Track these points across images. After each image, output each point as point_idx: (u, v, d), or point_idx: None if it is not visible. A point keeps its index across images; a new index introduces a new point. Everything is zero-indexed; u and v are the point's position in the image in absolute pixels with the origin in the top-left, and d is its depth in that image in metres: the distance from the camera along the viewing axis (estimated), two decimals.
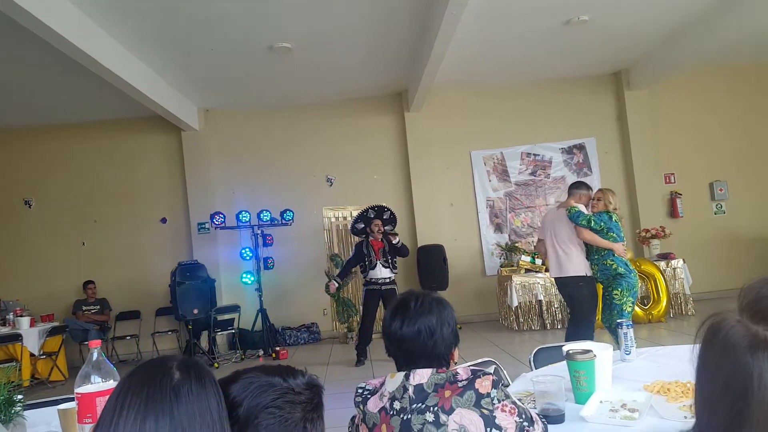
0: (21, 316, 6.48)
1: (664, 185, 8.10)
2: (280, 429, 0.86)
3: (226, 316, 7.10)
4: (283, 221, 7.06)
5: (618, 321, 2.05)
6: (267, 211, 6.98)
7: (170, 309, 7.20)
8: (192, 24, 5.17)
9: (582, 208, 4.14)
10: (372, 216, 6.95)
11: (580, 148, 8.09)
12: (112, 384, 1.48)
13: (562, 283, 4.30)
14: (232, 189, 7.75)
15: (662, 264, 6.79)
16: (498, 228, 8.02)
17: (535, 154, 8.08)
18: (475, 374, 1.24)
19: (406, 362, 1.33)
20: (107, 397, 1.43)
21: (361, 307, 7.35)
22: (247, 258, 6.98)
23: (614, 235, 3.99)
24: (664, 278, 6.61)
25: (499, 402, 1.21)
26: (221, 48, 5.77)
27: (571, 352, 1.61)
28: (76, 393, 1.45)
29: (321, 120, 7.94)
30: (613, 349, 1.75)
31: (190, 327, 6.62)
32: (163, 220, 7.80)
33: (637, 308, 6.43)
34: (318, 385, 0.94)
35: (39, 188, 7.81)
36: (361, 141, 7.97)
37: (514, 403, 1.23)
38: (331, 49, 6.06)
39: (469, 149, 8.03)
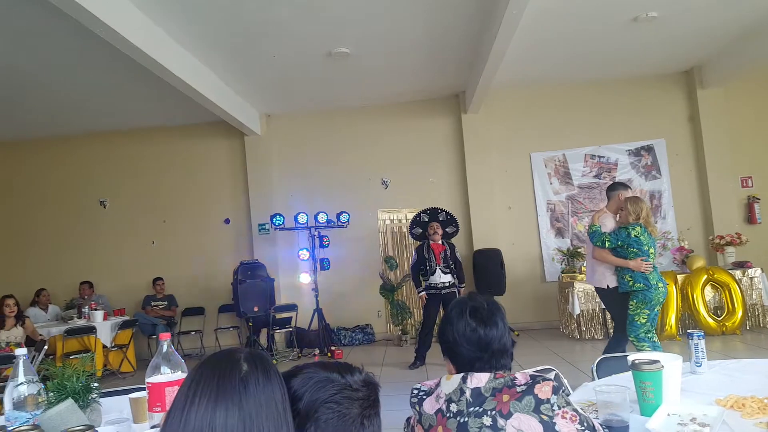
0: (95, 309, 6.93)
1: (741, 189, 7.61)
2: (338, 423, 0.88)
3: (284, 315, 7.30)
4: (339, 223, 7.17)
5: (689, 331, 1.96)
6: (324, 212, 7.12)
7: (232, 306, 7.49)
8: (253, 32, 5.36)
9: (607, 222, 4.13)
10: (426, 219, 6.95)
11: (649, 149, 7.74)
12: (180, 375, 1.56)
13: (597, 293, 4.42)
14: (291, 191, 7.97)
15: (738, 273, 6.38)
16: (559, 232, 7.80)
17: (599, 156, 7.81)
18: (535, 379, 1.22)
19: (465, 365, 1.33)
20: (175, 387, 1.52)
21: (415, 310, 7.39)
22: (305, 259, 7.14)
23: (634, 250, 3.92)
24: (740, 288, 6.20)
25: (560, 408, 1.18)
26: (282, 55, 5.95)
27: (637, 362, 1.55)
28: (147, 382, 1.54)
29: (377, 122, 8.02)
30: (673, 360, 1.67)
31: (250, 324, 6.85)
32: (227, 221, 8.13)
33: (709, 319, 6.08)
34: (374, 383, 0.96)
35: (113, 190, 8.33)
36: (417, 143, 7.98)
37: (575, 410, 1.20)
38: (388, 52, 6.12)
39: (529, 151, 7.86)
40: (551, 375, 1.24)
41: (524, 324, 7.35)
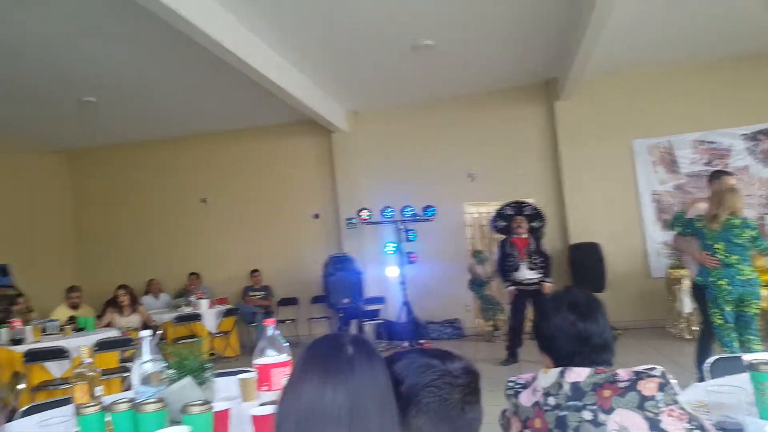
0: (201, 299, 7.52)
1: None
2: (439, 408, 0.92)
3: (373, 307, 7.49)
4: (426, 217, 7.21)
5: None
6: (410, 206, 7.19)
7: (324, 297, 7.80)
8: (339, 30, 5.49)
9: (697, 209, 3.93)
10: (511, 213, 6.78)
11: (767, 133, 7.03)
12: (284, 358, 1.69)
13: None
14: (377, 186, 8.12)
15: None
16: (666, 225, 7.30)
17: (710, 142, 7.20)
18: (639, 376, 1.19)
19: (564, 360, 1.32)
20: (281, 368, 1.65)
21: (506, 306, 7.27)
22: (392, 252, 7.26)
23: (702, 242, 3.72)
24: None
25: (666, 406, 1.15)
26: (367, 51, 6.07)
27: (755, 362, 1.46)
28: (255, 364, 1.68)
29: (463, 113, 7.95)
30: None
31: (341, 315, 7.11)
32: (316, 216, 8.47)
33: None
34: (475, 371, 0.99)
35: (213, 188, 8.96)
36: (505, 134, 7.81)
37: (683, 408, 1.16)
38: (474, 42, 6.04)
39: (631, 138, 7.42)
40: (657, 372, 1.20)
41: (627, 322, 6.98)
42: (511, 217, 6.43)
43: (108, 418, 1.56)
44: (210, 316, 7.24)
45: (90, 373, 2.00)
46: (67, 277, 8.93)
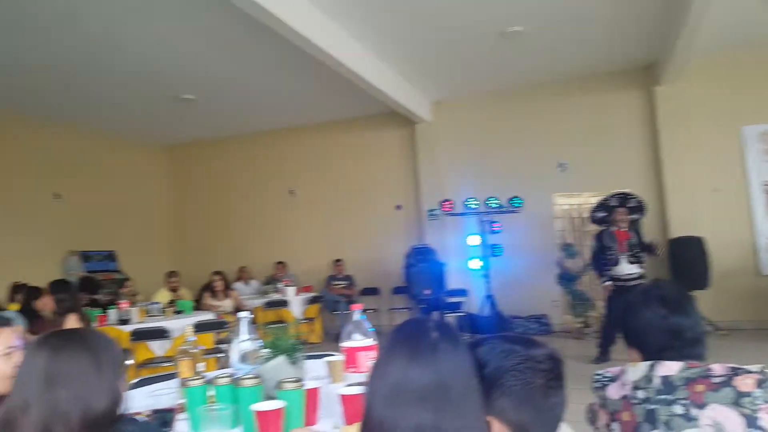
0: (288, 286, 7.90)
1: None
2: (522, 391, 0.95)
3: (455, 299, 7.49)
4: (511, 208, 7.07)
5: None
6: (494, 197, 7.08)
7: (405, 288, 7.91)
8: (424, 19, 5.50)
9: None
10: (615, 204, 6.48)
11: None
12: (370, 342, 1.77)
13: None
14: (462, 177, 8.06)
15: None
16: None
17: None
18: (735, 371, 1.15)
19: (654, 354, 1.30)
20: (367, 352, 1.73)
21: (598, 302, 6.99)
22: (475, 244, 7.21)
23: None
24: None
25: (765, 403, 1.10)
26: (453, 39, 6.03)
27: None
28: (342, 347, 1.78)
29: (553, 101, 7.69)
30: None
31: (422, 306, 7.18)
32: (398, 207, 8.58)
33: None
34: (559, 358, 1.00)
35: (300, 179, 9.34)
36: (598, 121, 7.46)
37: None
38: (565, 25, 5.81)
39: (740, 124, 6.83)
40: (755, 368, 1.15)
41: (733, 322, 6.48)
42: (613, 208, 6.15)
43: (210, 391, 1.73)
44: (296, 303, 7.59)
45: (193, 350, 2.21)
46: (165, 263, 9.71)
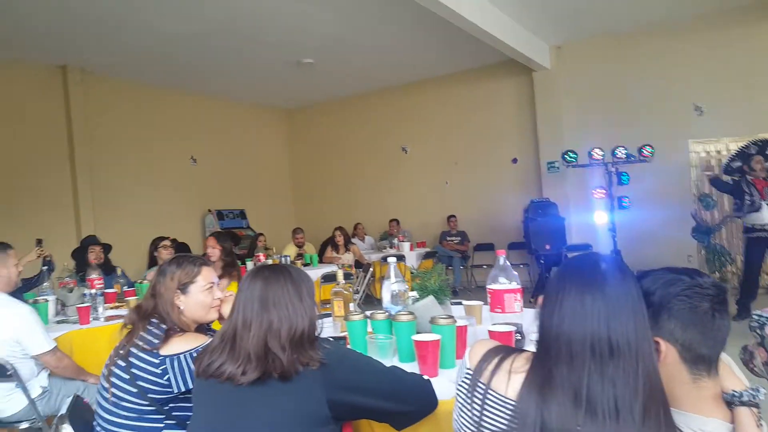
0: (403, 241, 8.22)
1: None
2: (689, 315, 1.04)
3: (577, 254, 7.35)
4: (641, 157, 6.71)
5: None
6: (623, 147, 6.76)
7: (521, 244, 7.90)
8: None
9: None
10: (753, 152, 5.96)
11: None
12: (515, 285, 1.93)
13: None
14: (584, 126, 7.76)
15: None
16: None
17: None
18: None
19: None
20: (512, 294, 1.89)
21: (737, 257, 6.54)
22: (600, 197, 6.98)
23: None
24: None
25: None
26: None
27: None
28: (489, 289, 1.95)
29: (685, 38, 7.03)
30: None
31: (542, 262, 7.16)
32: (514, 161, 8.47)
33: None
34: (723, 286, 1.08)
35: (412, 136, 9.52)
36: (741, 58, 6.73)
37: None
38: None
39: None
40: None
41: None
42: (751, 156, 5.68)
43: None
44: (412, 258, 7.90)
45: (345, 293, 2.51)
46: (285, 220, 10.51)
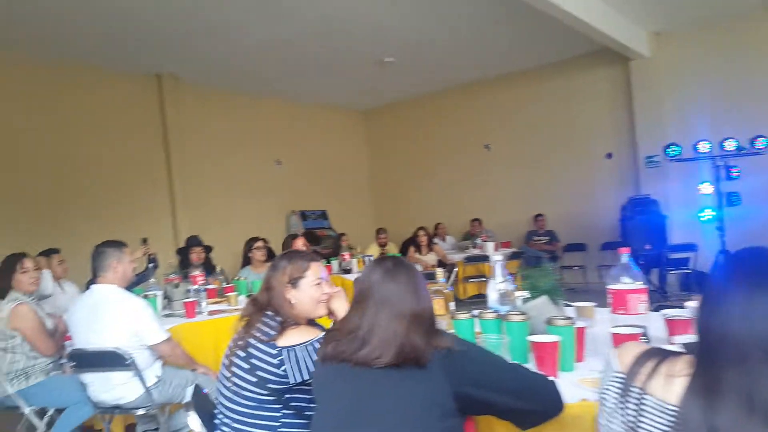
0: (486, 241, 8.06)
1: None
2: None
3: (680, 255, 6.92)
4: (754, 150, 6.21)
5: None
6: (733, 138, 6.28)
7: (616, 243, 7.50)
8: None
9: None
10: None
11: None
12: (639, 285, 1.82)
13: None
14: (687, 117, 7.24)
15: None
16: None
17: None
18: None
19: None
20: (636, 294, 1.78)
21: None
22: (707, 193, 6.52)
23: None
24: None
25: None
26: None
27: None
28: (610, 289, 1.85)
29: None
30: None
31: (641, 262, 6.78)
32: (608, 156, 8.07)
33: None
34: None
35: (496, 133, 9.31)
36: None
37: None
38: None
39: None
40: None
41: None
42: None
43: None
44: (497, 258, 7.72)
45: (445, 291, 2.48)
46: (366, 220, 10.63)
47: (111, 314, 2.69)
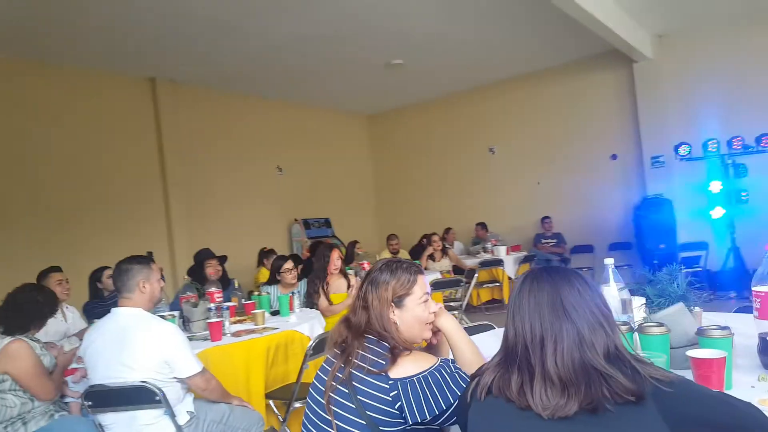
0: (497, 245, 7.95)
1: None
2: None
3: (691, 254, 6.91)
4: (761, 147, 6.25)
5: None
6: (740, 137, 6.31)
7: (623, 244, 7.49)
8: None
9: None
10: None
11: None
12: None
13: None
14: (691, 117, 7.26)
15: None
16: None
17: None
18: None
19: None
20: None
21: None
22: (715, 192, 6.53)
23: None
24: None
25: None
26: None
27: None
28: (757, 292, 1.71)
29: None
30: None
31: (655, 262, 6.74)
32: (613, 157, 8.06)
33: None
34: None
35: (500, 136, 9.27)
36: None
37: None
38: None
39: None
40: None
41: None
42: None
43: None
44: (509, 262, 7.62)
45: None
46: (370, 227, 10.44)
47: (140, 343, 2.25)
